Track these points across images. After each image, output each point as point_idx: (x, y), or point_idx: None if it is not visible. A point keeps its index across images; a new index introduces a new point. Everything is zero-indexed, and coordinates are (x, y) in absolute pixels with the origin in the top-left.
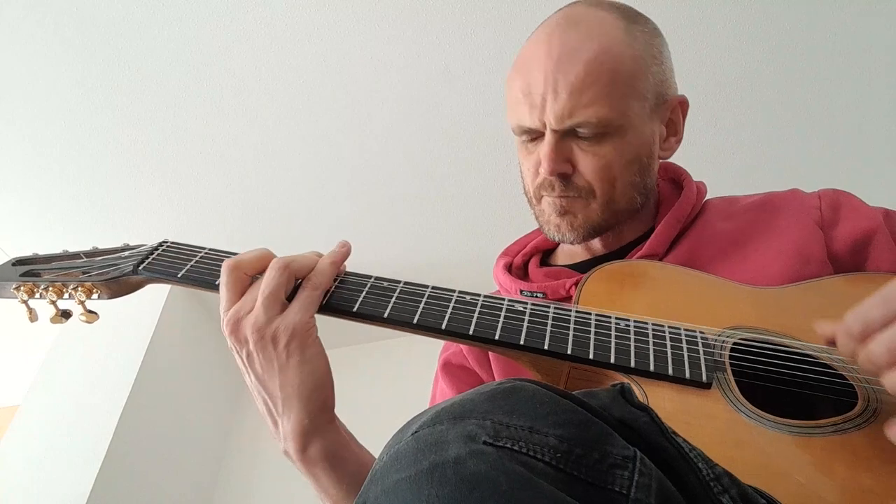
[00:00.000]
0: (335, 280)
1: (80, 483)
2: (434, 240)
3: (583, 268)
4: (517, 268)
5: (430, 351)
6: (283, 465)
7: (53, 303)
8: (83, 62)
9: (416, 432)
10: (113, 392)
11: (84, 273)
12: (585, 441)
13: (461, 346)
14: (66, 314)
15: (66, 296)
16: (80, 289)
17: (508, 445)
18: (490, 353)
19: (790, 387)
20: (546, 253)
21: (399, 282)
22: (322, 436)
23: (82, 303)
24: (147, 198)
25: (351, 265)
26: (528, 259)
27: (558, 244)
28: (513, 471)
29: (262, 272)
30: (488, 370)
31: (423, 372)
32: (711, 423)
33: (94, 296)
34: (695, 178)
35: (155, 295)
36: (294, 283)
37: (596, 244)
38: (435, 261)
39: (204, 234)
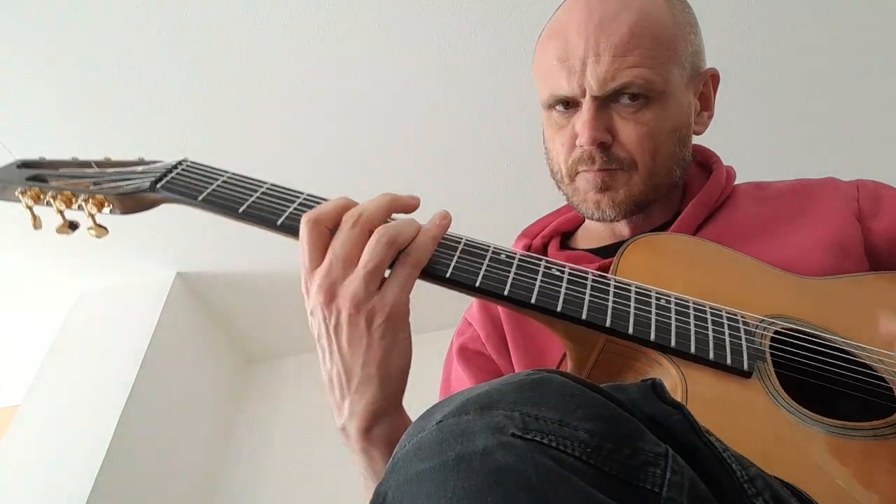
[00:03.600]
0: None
1: (80, 483)
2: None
3: (606, 252)
4: (536, 250)
5: (426, 352)
6: (284, 465)
7: (61, 212)
8: None
9: (440, 421)
10: (113, 392)
11: (96, 184)
12: (616, 436)
13: (477, 331)
14: (73, 225)
15: (75, 206)
16: (91, 201)
17: (538, 438)
18: (508, 339)
19: (828, 383)
20: (566, 235)
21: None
22: (391, 419)
23: (93, 216)
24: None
25: None
26: (548, 241)
27: (578, 227)
28: (542, 464)
29: (339, 224)
30: (506, 357)
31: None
32: (751, 415)
33: (106, 209)
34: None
35: (155, 295)
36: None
37: (622, 227)
38: None
39: None
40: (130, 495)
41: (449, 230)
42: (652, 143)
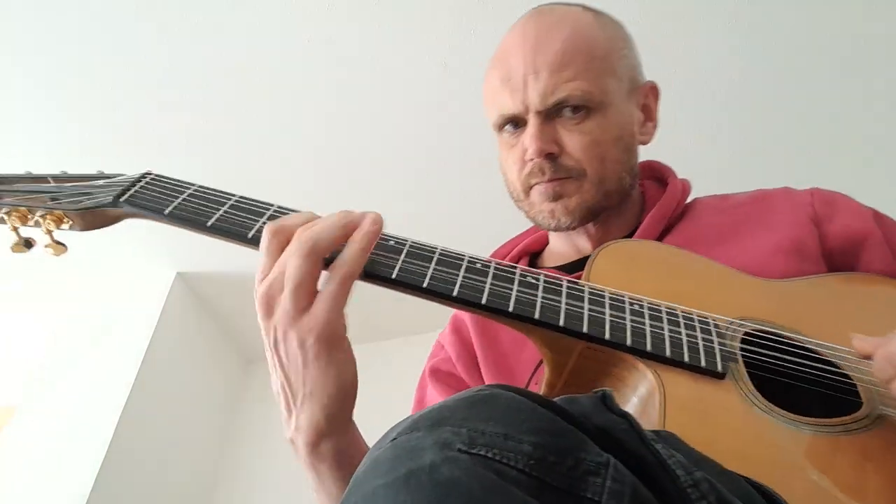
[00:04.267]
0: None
1: (80, 483)
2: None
3: (572, 268)
4: None
5: (422, 354)
6: (284, 465)
7: (16, 229)
8: None
9: (394, 439)
10: (113, 392)
11: (53, 199)
12: (560, 448)
13: (448, 353)
14: (28, 243)
15: (31, 223)
16: (48, 216)
17: (482, 453)
18: (479, 358)
19: (797, 381)
20: (534, 255)
21: (406, 241)
22: (336, 436)
23: (50, 232)
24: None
25: None
26: (517, 262)
27: (545, 246)
28: (485, 477)
29: None
30: (476, 377)
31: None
32: (727, 415)
33: (65, 226)
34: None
35: (155, 295)
36: (323, 265)
37: (584, 243)
38: None
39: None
40: (130, 495)
41: (422, 242)
42: (598, 150)
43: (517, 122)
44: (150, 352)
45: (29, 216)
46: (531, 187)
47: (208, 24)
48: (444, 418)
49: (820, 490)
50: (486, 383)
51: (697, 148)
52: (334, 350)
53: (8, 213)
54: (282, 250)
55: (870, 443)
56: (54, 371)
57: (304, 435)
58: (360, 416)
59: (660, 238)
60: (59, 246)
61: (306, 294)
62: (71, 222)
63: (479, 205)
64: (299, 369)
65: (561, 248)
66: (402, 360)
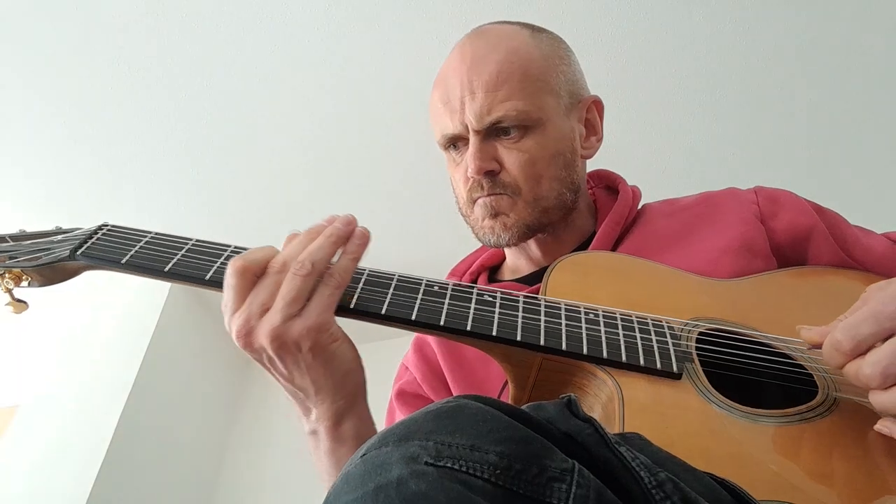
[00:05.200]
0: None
1: (80, 483)
2: (431, 240)
3: (531, 280)
4: None
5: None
6: (284, 465)
7: None
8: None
9: (363, 455)
10: (113, 392)
11: (11, 258)
12: (525, 456)
13: (413, 374)
14: None
15: None
16: (6, 275)
17: (449, 465)
18: (447, 376)
19: (753, 376)
20: (493, 269)
21: (364, 270)
22: (356, 413)
23: (9, 291)
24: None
25: None
26: (476, 277)
27: (503, 261)
28: (451, 489)
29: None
30: (444, 395)
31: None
32: (685, 414)
33: (24, 283)
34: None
35: (155, 295)
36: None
37: (537, 254)
38: (433, 260)
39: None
40: (130, 495)
41: (380, 269)
42: (535, 168)
43: (460, 141)
44: (150, 352)
45: None
46: (474, 202)
47: (207, 23)
48: (411, 432)
49: (782, 480)
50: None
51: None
52: (332, 343)
53: None
54: (250, 287)
55: (828, 428)
56: (56, 372)
57: (325, 421)
58: None
59: (615, 244)
60: (20, 304)
61: (296, 307)
62: (29, 279)
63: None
64: (305, 373)
65: (516, 261)
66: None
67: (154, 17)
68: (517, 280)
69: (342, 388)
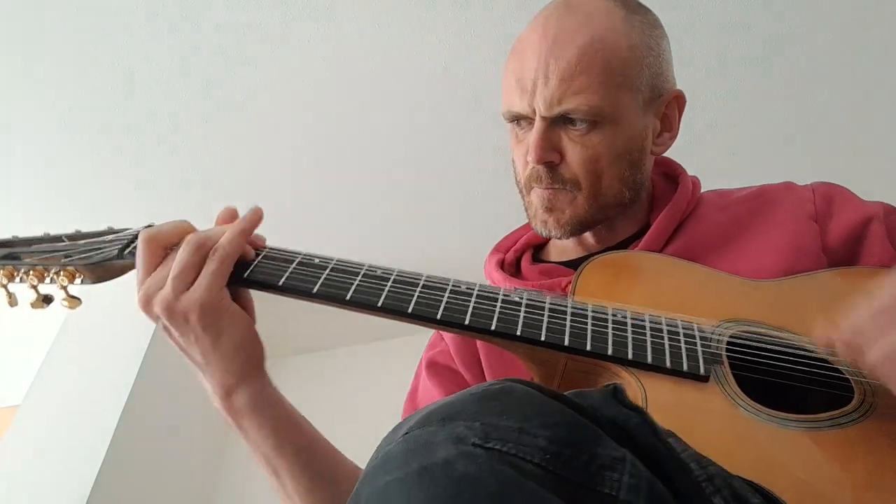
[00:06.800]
0: (258, 254)
1: (80, 483)
2: (432, 240)
3: (576, 264)
4: (509, 264)
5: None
6: None
7: (34, 287)
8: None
9: (406, 434)
10: (113, 392)
11: (67, 257)
12: (575, 442)
13: (448, 346)
14: (47, 299)
15: (48, 280)
16: (62, 273)
17: (497, 447)
18: (482, 354)
19: (787, 381)
20: (537, 248)
21: (392, 270)
22: (244, 387)
23: (65, 287)
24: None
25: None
26: (521, 255)
27: (549, 240)
28: (501, 472)
29: (178, 244)
30: (477, 373)
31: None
32: (710, 417)
33: (78, 280)
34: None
35: None
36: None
37: (589, 239)
38: (429, 261)
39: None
40: (130, 495)
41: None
42: (597, 165)
43: (524, 120)
44: (150, 351)
45: (45, 274)
46: (531, 188)
47: (208, 30)
48: (456, 412)
49: (807, 486)
50: (489, 378)
51: None
52: (220, 318)
53: (27, 273)
54: (155, 257)
55: (858, 435)
56: (56, 371)
57: (216, 396)
58: (360, 416)
59: (668, 239)
60: (74, 300)
61: (186, 280)
62: (82, 276)
63: (480, 206)
64: (194, 344)
65: (566, 242)
66: (403, 360)
67: (154, 17)
68: (562, 263)
69: (231, 362)
